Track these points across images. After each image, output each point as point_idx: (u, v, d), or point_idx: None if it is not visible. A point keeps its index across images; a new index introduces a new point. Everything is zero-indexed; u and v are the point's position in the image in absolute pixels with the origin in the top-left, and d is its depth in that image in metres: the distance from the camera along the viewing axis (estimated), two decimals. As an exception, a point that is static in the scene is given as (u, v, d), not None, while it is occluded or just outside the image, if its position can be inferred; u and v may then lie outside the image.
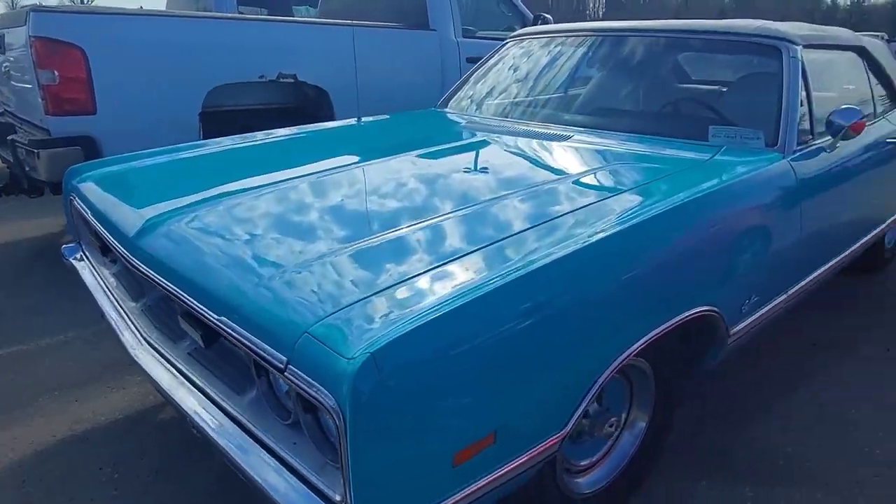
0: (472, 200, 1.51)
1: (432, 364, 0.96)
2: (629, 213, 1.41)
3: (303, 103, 3.94)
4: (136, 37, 3.19)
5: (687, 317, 1.44)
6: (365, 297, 1.05)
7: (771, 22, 2.36)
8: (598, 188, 1.61)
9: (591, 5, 63.52)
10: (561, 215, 1.39)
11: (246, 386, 1.24)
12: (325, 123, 2.74)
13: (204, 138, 3.39)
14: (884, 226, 2.71)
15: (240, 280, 1.21)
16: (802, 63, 2.10)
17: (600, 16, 58.24)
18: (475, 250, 1.22)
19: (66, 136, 3.09)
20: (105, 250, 1.92)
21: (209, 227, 1.49)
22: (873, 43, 2.86)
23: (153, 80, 3.23)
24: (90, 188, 1.98)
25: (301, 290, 1.12)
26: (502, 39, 3.83)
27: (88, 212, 1.88)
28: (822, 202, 2.01)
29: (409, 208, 1.51)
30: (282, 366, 0.98)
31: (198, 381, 1.33)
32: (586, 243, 1.26)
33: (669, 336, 1.43)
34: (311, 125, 2.67)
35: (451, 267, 1.16)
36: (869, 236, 2.54)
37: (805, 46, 2.16)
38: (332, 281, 1.13)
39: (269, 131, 2.50)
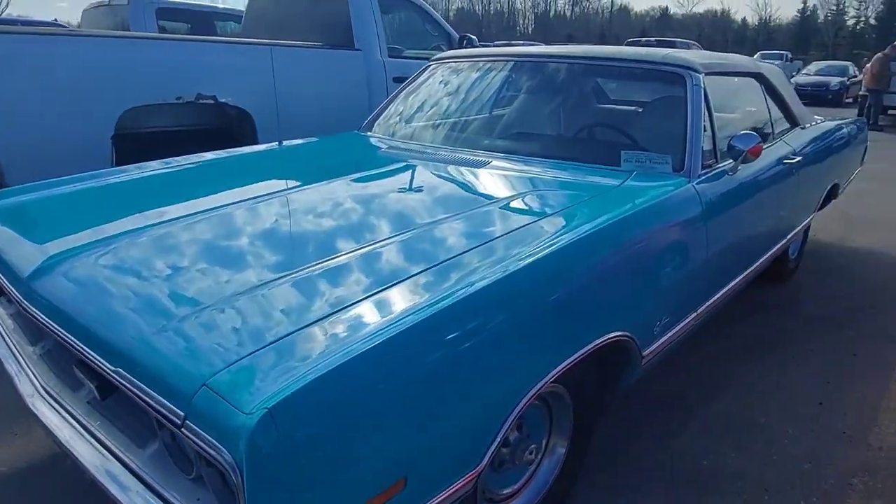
0: (386, 234, 1.50)
1: (336, 414, 0.94)
2: (542, 242, 1.44)
3: (224, 124, 3.83)
4: (43, 56, 3.03)
5: (600, 343, 1.48)
6: (268, 344, 1.02)
7: (676, 50, 2.48)
8: (513, 217, 1.63)
9: (521, 22, 65.25)
10: (475, 247, 1.40)
11: (148, 438, 1.18)
12: (245, 148, 2.67)
13: (117, 163, 3.26)
14: (786, 240, 2.89)
15: (140, 326, 1.16)
16: (705, 90, 2.21)
17: (529, 32, 59.78)
18: (386, 288, 1.21)
19: (-38, 162, 2.89)
20: (-1, 290, 1.80)
21: (110, 266, 1.42)
22: (770, 69, 3.05)
23: (61, 101, 3.06)
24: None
25: (202, 336, 1.08)
26: (429, 59, 3.86)
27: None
28: (727, 223, 2.11)
29: (323, 242, 1.49)
30: (179, 422, 0.94)
31: (97, 434, 1.26)
32: (502, 274, 1.27)
33: (585, 362, 1.47)
34: (231, 150, 2.60)
35: (359, 307, 1.15)
36: (772, 251, 2.70)
37: (707, 73, 2.28)
38: (236, 325, 1.10)
39: (185, 157, 2.41)
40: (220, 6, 8.79)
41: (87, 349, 1.17)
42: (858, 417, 2.29)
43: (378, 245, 1.43)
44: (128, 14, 6.50)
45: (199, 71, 3.53)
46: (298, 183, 2.02)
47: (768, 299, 3.35)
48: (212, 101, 3.56)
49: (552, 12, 64.45)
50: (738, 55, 2.97)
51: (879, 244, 4.43)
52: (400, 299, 1.17)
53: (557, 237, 1.47)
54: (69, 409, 1.35)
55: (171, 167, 2.31)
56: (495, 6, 65.55)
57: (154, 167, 2.30)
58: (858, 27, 52.66)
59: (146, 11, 6.57)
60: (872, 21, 51.90)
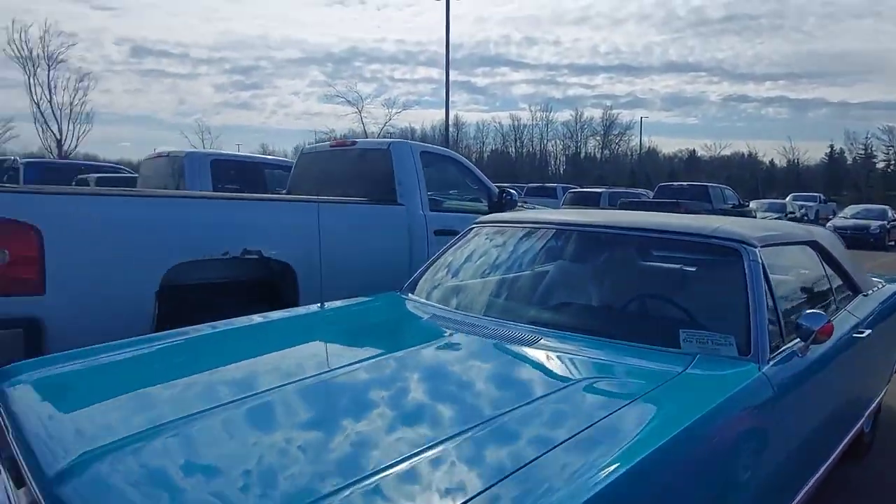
0: (436, 435, 1.37)
1: None
2: (616, 450, 1.29)
3: (267, 277, 3.88)
4: (96, 215, 3.16)
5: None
6: None
7: (728, 222, 2.43)
8: (576, 417, 1.46)
9: (553, 163, 68.29)
10: (534, 459, 1.26)
11: None
12: (287, 311, 2.63)
13: (159, 317, 3.26)
14: (863, 419, 2.63)
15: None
16: (763, 265, 2.11)
17: (561, 173, 62.17)
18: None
19: (8, 317, 2.92)
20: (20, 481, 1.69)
21: (141, 473, 1.30)
22: (823, 234, 2.97)
23: (111, 258, 3.14)
24: (20, 396, 1.79)
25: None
26: (469, 212, 3.90)
27: (9, 429, 1.68)
28: (803, 412, 1.93)
29: (375, 443, 1.36)
30: None
31: None
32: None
33: None
34: (272, 314, 2.56)
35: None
36: (851, 433, 2.45)
37: (762, 247, 2.19)
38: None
39: (223, 322, 2.38)
40: (269, 157, 9.51)
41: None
42: None
43: (428, 452, 1.30)
44: (184, 164, 6.96)
45: (246, 227, 3.63)
46: (342, 362, 1.90)
47: (849, 479, 3.00)
48: (256, 256, 3.63)
49: (583, 154, 67.35)
50: (789, 223, 2.91)
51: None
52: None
53: (631, 447, 1.31)
54: None
55: (211, 332, 2.26)
56: (528, 148, 69.14)
57: (190, 333, 2.25)
58: (889, 169, 53.28)
59: (202, 163, 7.04)
60: (902, 164, 52.66)
